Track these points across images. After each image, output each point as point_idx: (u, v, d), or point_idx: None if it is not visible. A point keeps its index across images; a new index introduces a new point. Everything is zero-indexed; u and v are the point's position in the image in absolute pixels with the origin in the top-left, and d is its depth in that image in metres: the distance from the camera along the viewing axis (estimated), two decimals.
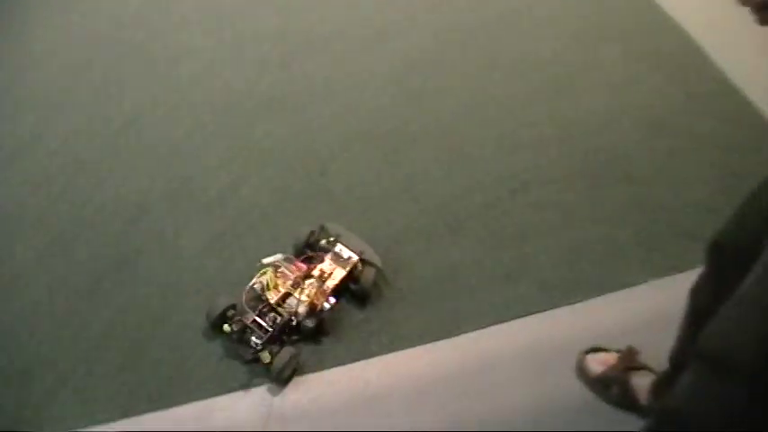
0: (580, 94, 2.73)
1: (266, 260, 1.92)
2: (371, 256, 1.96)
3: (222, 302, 1.87)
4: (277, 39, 2.55)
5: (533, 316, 2.04)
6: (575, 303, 2.10)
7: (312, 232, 2.00)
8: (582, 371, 1.86)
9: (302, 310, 1.86)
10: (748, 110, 2.88)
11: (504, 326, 2.01)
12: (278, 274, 1.90)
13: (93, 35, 2.43)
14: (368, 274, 1.94)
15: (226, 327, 1.85)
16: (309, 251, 2.00)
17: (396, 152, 2.32)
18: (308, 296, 1.88)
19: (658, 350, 1.77)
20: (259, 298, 1.89)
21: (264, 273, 1.89)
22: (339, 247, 1.98)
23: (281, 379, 1.83)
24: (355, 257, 1.96)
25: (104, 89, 2.26)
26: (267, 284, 1.88)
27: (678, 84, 2.89)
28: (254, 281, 1.88)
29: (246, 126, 2.26)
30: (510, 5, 2.96)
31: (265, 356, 1.82)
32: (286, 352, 1.83)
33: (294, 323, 1.87)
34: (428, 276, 2.02)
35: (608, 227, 2.31)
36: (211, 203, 2.05)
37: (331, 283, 1.92)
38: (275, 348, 1.84)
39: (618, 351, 1.83)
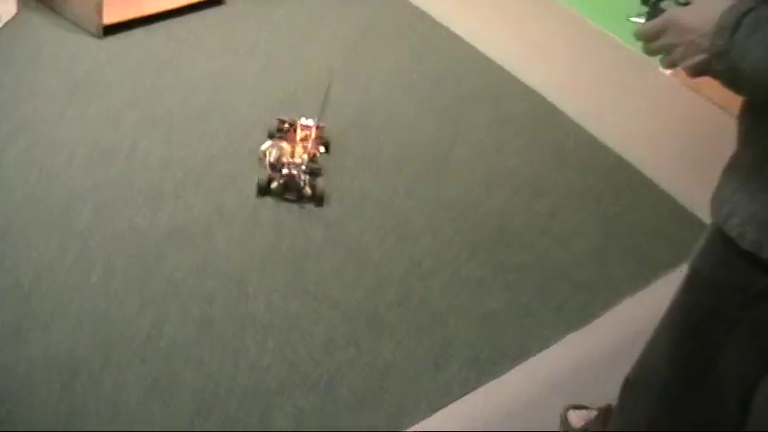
0: (457, 170, 2.87)
1: (264, 146, 2.69)
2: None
3: (263, 176, 2.56)
4: (165, 167, 2.58)
5: (471, 394, 2.14)
6: (503, 374, 2.22)
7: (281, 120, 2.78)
8: (564, 425, 2.04)
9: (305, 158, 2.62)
10: (612, 157, 3.12)
11: (446, 410, 2.10)
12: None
13: None
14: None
15: (273, 186, 2.56)
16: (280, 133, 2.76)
17: (303, 261, 2.39)
18: (306, 150, 2.65)
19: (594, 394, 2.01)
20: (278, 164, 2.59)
21: (272, 147, 2.65)
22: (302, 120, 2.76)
23: (322, 199, 2.58)
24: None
25: (2, 237, 2.23)
26: (282, 152, 2.61)
27: (544, 143, 3.09)
28: (267, 154, 2.63)
29: (156, 261, 2.28)
30: (372, 99, 3.08)
31: (307, 191, 2.56)
32: (319, 182, 2.59)
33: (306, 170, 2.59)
34: (363, 380, 2.08)
35: (513, 293, 2.45)
36: (141, 349, 2.05)
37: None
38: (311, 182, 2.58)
39: (598, 409, 2.00)
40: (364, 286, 2.35)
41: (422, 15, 3.81)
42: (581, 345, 2.35)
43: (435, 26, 3.75)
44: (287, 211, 2.55)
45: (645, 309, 2.29)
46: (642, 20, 1.27)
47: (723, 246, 1.30)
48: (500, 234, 2.66)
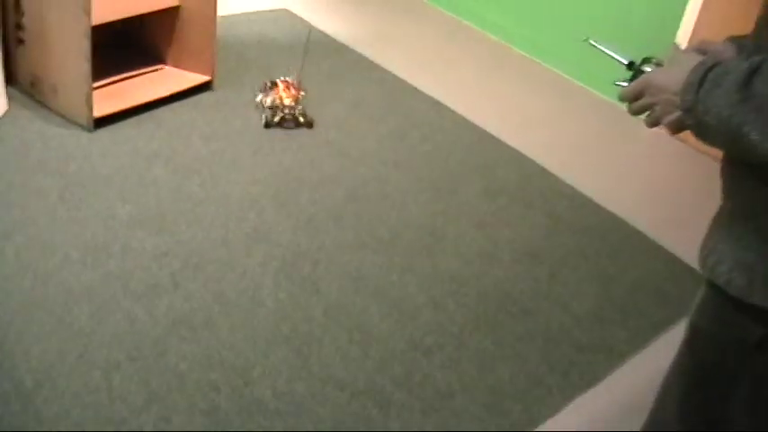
0: (454, 242, 2.88)
1: (258, 97, 3.52)
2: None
3: (268, 114, 3.45)
4: (162, 258, 2.58)
5: None
6: None
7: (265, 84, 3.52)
8: None
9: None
10: (606, 216, 3.14)
11: None
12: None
13: None
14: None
15: (276, 119, 3.43)
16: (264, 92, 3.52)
17: (308, 345, 2.37)
18: (290, 95, 3.43)
19: None
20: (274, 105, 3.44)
21: (266, 97, 3.49)
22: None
23: (311, 122, 3.46)
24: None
25: (3, 348, 2.21)
26: (274, 98, 3.44)
27: (538, 208, 3.11)
28: (263, 102, 3.49)
29: (159, 355, 2.26)
30: (363, 178, 3.11)
31: (300, 120, 3.42)
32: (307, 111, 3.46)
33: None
34: None
35: (518, 362, 2.44)
36: None
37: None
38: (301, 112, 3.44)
39: None
40: (368, 365, 2.34)
41: (409, 88, 3.87)
42: (589, 407, 2.34)
43: (423, 98, 3.80)
44: (287, 294, 2.54)
45: (650, 366, 2.28)
46: (625, 83, 1.32)
47: (716, 299, 1.32)
48: (501, 303, 2.65)
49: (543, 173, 3.39)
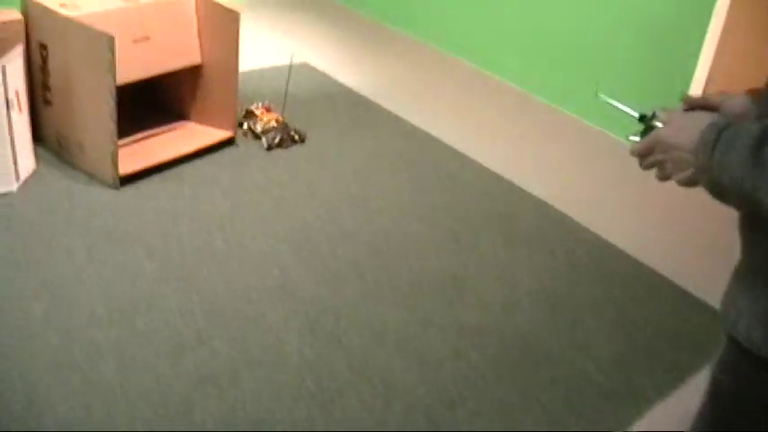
0: (476, 291, 2.89)
1: (245, 126, 3.81)
2: None
3: (267, 139, 3.74)
4: (187, 315, 2.61)
5: None
6: None
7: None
8: None
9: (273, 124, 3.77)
10: (627, 260, 3.15)
11: None
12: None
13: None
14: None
15: (276, 141, 3.73)
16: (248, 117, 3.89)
17: (333, 400, 2.38)
18: (274, 118, 3.78)
19: None
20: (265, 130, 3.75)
21: (251, 123, 3.81)
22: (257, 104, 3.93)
23: (304, 136, 3.80)
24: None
25: (28, 406, 2.23)
26: (262, 123, 3.74)
27: (559, 255, 3.12)
28: (252, 127, 3.78)
29: (185, 412, 2.28)
30: (384, 231, 3.13)
31: (296, 137, 3.76)
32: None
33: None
34: None
35: (544, 411, 2.44)
36: None
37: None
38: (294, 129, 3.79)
39: None
40: (392, 419, 2.35)
41: (429, 139, 3.91)
42: None
43: (443, 149, 3.84)
44: (311, 348, 2.55)
45: (677, 412, 2.28)
46: (638, 138, 1.34)
47: (737, 353, 1.32)
48: (525, 353, 2.66)
49: (564, 219, 3.40)
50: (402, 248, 3.08)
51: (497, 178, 3.65)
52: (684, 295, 3.02)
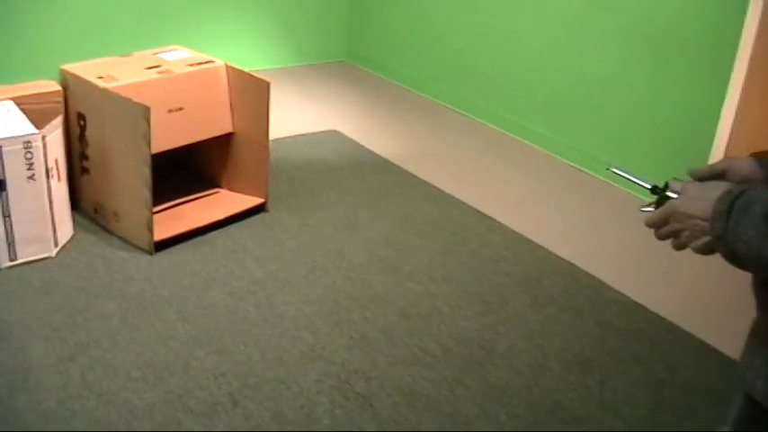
0: (504, 353, 2.92)
1: None
2: None
3: None
4: (220, 378, 2.65)
5: None
6: None
7: None
8: None
9: None
10: (654, 319, 3.16)
11: None
12: None
13: (44, 412, 2.47)
14: None
15: None
16: None
17: None
18: None
19: None
20: None
21: None
22: None
23: None
24: None
25: None
26: None
27: (587, 316, 3.14)
28: None
29: None
30: (414, 294, 3.18)
31: None
32: None
33: None
34: None
35: None
36: None
37: None
38: None
39: None
40: None
41: (456, 203, 3.97)
42: None
43: (470, 212, 3.90)
44: (342, 411, 2.59)
45: None
46: (650, 209, 1.38)
47: (754, 413, 1.34)
48: (553, 413, 2.67)
49: (590, 280, 3.43)
50: (431, 311, 3.13)
51: (524, 240, 3.70)
52: (713, 352, 3.03)
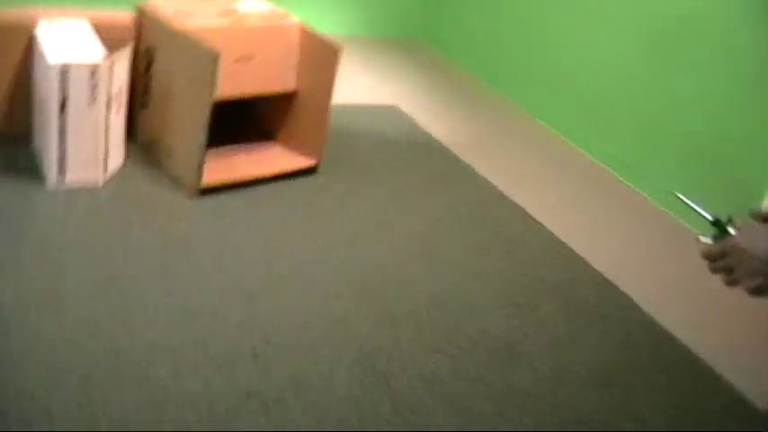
0: (529, 359, 2.90)
1: None
2: None
3: None
4: (246, 330, 2.67)
5: None
6: None
7: None
8: None
9: None
10: (684, 353, 3.12)
11: None
12: None
13: (69, 342, 2.50)
14: None
15: None
16: None
17: None
18: None
19: None
20: None
21: None
22: None
23: None
24: None
25: (86, 390, 2.30)
26: None
27: (616, 335, 3.11)
28: None
29: (228, 421, 2.33)
30: (447, 284, 3.17)
31: None
32: None
33: None
34: None
35: None
36: None
37: None
38: None
39: None
40: None
41: (502, 198, 3.94)
42: None
43: (514, 210, 3.87)
44: (358, 384, 2.59)
45: None
46: (709, 239, 1.36)
47: None
48: (571, 421, 2.65)
49: (623, 297, 3.39)
50: (461, 304, 3.11)
51: (563, 247, 3.67)
52: (739, 400, 2.98)
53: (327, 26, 5.83)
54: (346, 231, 3.39)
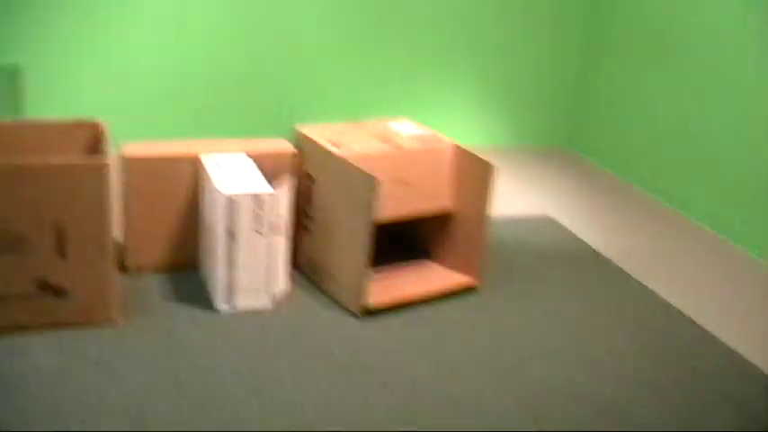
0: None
1: None
2: None
3: None
4: None
5: None
6: None
7: None
8: None
9: None
10: None
11: None
12: None
13: None
14: None
15: None
16: None
17: None
18: None
19: None
20: None
21: None
22: None
23: None
24: None
25: None
26: None
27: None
28: None
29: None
30: (612, 393, 3.07)
31: None
32: None
33: None
34: None
35: None
36: None
37: None
38: None
39: None
40: None
41: (665, 306, 3.81)
42: None
43: (679, 317, 3.73)
44: None
45: None
46: None
47: None
48: None
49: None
50: (630, 418, 3.00)
51: (736, 358, 3.50)
52: None
53: (466, 136, 5.91)
54: (513, 349, 3.35)
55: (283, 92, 5.48)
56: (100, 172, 3.00)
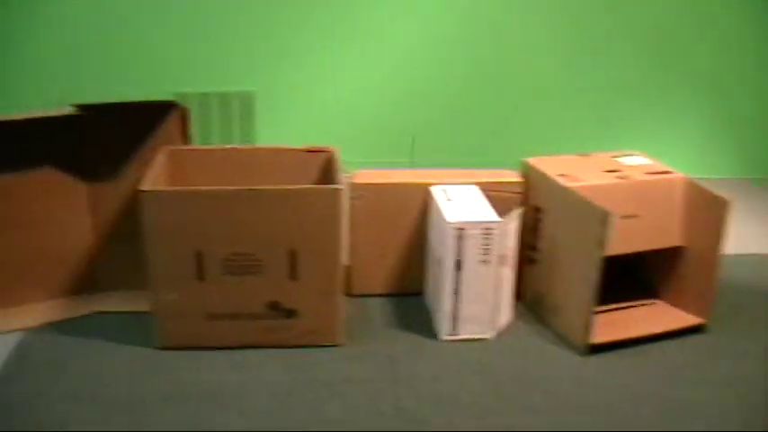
0: None
1: None
2: None
3: None
4: None
5: None
6: None
7: None
8: None
9: None
10: None
11: None
12: None
13: None
14: None
15: None
16: None
17: None
18: None
19: None
20: None
21: None
22: None
23: None
24: None
25: None
26: None
27: None
28: None
29: None
30: None
31: None
32: None
33: None
34: None
35: None
36: None
37: None
38: None
39: None
40: None
41: None
42: None
43: None
44: None
45: None
46: None
47: None
48: None
49: None
50: None
51: None
52: None
53: (700, 169, 5.70)
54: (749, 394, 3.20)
55: (507, 121, 5.51)
56: (332, 197, 3.12)
